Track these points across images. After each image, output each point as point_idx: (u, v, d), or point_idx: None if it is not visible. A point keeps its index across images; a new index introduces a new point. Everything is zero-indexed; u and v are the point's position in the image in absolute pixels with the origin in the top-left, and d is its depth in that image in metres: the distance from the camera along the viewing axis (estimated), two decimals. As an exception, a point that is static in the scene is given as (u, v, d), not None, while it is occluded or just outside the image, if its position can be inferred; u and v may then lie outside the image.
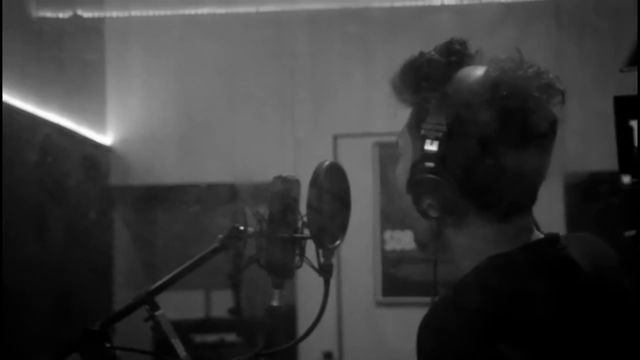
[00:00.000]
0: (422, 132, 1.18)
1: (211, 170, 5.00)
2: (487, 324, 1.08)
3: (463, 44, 1.24)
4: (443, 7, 4.88)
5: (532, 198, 1.23)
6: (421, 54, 1.24)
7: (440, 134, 1.16)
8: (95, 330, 1.50)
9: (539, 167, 1.20)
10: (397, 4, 4.91)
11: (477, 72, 1.19)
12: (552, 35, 4.82)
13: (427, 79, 1.21)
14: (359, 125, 4.90)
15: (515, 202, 1.20)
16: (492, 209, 1.19)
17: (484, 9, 4.88)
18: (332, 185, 1.40)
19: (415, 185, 1.20)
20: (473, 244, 1.20)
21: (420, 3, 4.90)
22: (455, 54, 1.23)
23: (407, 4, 4.91)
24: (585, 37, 4.77)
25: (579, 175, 4.70)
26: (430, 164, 1.17)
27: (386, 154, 4.78)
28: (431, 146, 1.17)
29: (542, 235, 1.23)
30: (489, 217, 1.19)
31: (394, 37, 4.83)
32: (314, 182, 1.37)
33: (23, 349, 3.65)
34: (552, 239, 1.22)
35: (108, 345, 1.50)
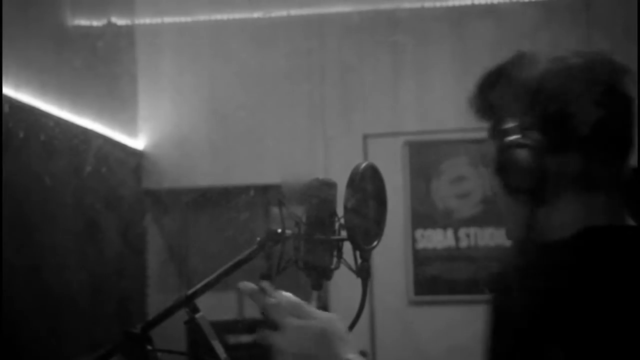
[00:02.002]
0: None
1: (243, 172, 5.03)
2: None
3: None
4: (473, 7, 4.86)
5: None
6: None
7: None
8: (137, 333, 1.52)
9: None
10: (427, 5, 4.90)
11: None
12: (582, 31, 4.79)
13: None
14: (388, 124, 4.90)
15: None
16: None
17: (514, 8, 4.85)
18: (369, 187, 1.41)
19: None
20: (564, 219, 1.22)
21: (450, 3, 4.89)
22: None
23: (437, 4, 4.90)
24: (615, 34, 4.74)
25: None
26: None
27: (416, 152, 4.77)
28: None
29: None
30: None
31: (423, 37, 4.83)
32: (351, 183, 1.38)
33: (64, 351, 3.70)
34: None
35: (149, 347, 1.52)
